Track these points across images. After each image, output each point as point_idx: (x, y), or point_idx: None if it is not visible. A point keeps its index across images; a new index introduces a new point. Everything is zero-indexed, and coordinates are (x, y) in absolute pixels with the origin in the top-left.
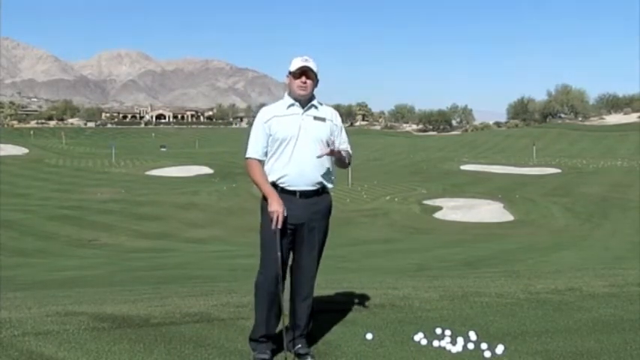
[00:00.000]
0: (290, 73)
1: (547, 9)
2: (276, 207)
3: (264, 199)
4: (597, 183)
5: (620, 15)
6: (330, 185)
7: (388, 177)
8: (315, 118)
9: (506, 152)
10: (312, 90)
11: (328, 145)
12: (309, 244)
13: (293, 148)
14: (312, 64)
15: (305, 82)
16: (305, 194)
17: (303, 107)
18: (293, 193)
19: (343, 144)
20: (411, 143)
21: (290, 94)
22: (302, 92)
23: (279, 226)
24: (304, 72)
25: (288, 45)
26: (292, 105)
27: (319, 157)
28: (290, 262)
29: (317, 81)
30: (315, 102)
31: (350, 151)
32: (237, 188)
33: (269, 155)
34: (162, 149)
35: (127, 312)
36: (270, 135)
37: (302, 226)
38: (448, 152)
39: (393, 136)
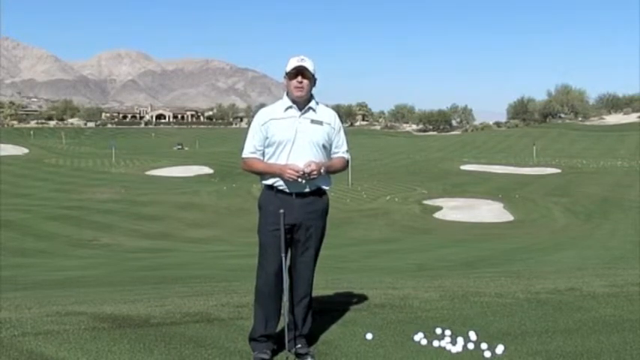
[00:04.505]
0: (286, 73)
1: (547, 9)
2: (284, 168)
3: (262, 197)
4: (597, 183)
5: (620, 15)
6: (326, 187)
7: (388, 177)
8: (313, 121)
9: (506, 152)
10: (310, 90)
11: (306, 174)
12: (306, 244)
13: (289, 152)
14: (308, 64)
15: (301, 82)
16: (301, 194)
17: (300, 109)
18: (289, 194)
19: (341, 147)
20: (411, 143)
21: (288, 96)
22: (299, 93)
23: (306, 169)
24: (300, 72)
25: (288, 45)
26: (290, 107)
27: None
28: (288, 262)
29: (314, 80)
30: (312, 104)
31: (345, 156)
32: (237, 188)
33: (266, 159)
34: (178, 147)
35: (127, 312)
36: (267, 138)
37: (299, 225)
38: (448, 152)
39: (393, 136)
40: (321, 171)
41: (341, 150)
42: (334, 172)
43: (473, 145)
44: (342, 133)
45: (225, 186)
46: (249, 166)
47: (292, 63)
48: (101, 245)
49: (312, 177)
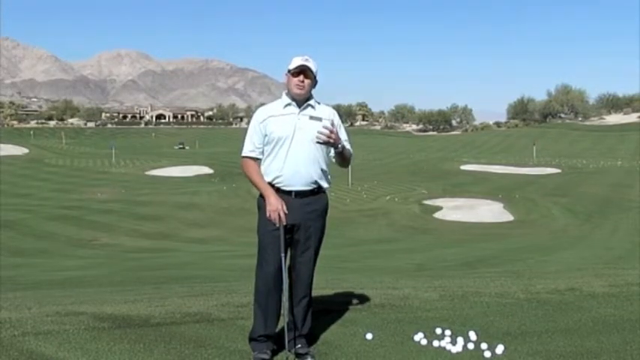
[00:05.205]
0: (289, 71)
1: (547, 9)
2: (275, 204)
3: (262, 196)
4: (597, 183)
5: (620, 15)
6: (326, 185)
7: (388, 177)
8: (312, 117)
9: (506, 152)
10: (310, 90)
11: (330, 134)
12: (306, 244)
13: (288, 148)
14: (311, 64)
15: (302, 82)
16: (300, 194)
17: (299, 107)
18: (288, 193)
19: (346, 141)
20: (411, 143)
21: (287, 94)
22: (299, 91)
23: (284, 223)
24: (302, 71)
25: (288, 45)
26: (289, 104)
27: (320, 142)
28: (287, 262)
29: (315, 81)
30: (312, 102)
31: (351, 150)
32: (237, 188)
33: (265, 155)
34: (179, 147)
35: (127, 312)
36: (266, 135)
37: (298, 226)
38: (448, 152)
39: (393, 136)
40: (339, 145)
41: (347, 144)
42: (344, 157)
43: (473, 145)
44: (343, 129)
45: (225, 186)
46: (247, 168)
47: (296, 61)
48: (101, 245)
49: (329, 140)
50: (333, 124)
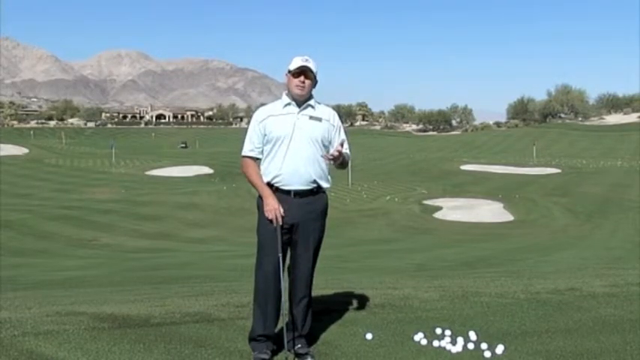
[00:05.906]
0: (289, 71)
1: (547, 9)
2: (273, 205)
3: (260, 197)
4: (597, 183)
5: (620, 15)
6: (326, 185)
7: (388, 177)
8: (311, 117)
9: (506, 152)
10: (310, 90)
11: (337, 153)
12: (305, 244)
13: (287, 148)
14: (311, 65)
15: (303, 82)
16: (300, 194)
17: (299, 107)
18: (287, 192)
19: (345, 145)
20: (411, 143)
21: (288, 94)
22: (299, 92)
23: (280, 223)
24: (303, 72)
25: (288, 45)
26: (288, 104)
27: (328, 159)
28: (287, 261)
29: (316, 82)
30: (312, 102)
31: (348, 152)
32: (237, 188)
33: (265, 155)
34: (182, 146)
35: (127, 312)
36: (265, 135)
37: (297, 225)
38: (448, 152)
39: (393, 136)
40: (340, 159)
41: (345, 147)
42: (342, 162)
43: (473, 145)
44: (342, 131)
45: (225, 186)
46: (246, 168)
47: (297, 62)
48: (101, 245)
49: (334, 153)
50: (328, 134)
